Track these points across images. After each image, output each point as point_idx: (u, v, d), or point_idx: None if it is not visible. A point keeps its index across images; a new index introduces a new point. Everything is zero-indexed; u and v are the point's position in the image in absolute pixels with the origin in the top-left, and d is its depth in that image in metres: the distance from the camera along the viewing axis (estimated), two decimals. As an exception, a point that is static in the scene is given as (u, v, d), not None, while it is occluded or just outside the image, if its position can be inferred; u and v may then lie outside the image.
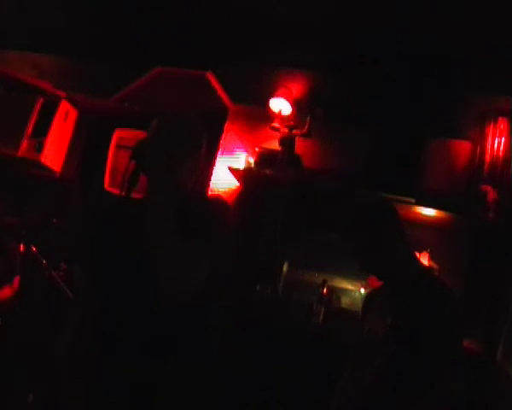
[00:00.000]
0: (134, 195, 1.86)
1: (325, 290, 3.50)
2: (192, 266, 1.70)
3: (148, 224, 1.67)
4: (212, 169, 3.83)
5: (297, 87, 3.79)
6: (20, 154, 4.34)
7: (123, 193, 1.79)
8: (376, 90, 3.52)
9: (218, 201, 2.02)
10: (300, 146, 3.67)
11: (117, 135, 4.20)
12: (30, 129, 4.37)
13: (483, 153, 3.38)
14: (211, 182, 3.81)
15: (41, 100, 4.40)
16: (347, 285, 3.64)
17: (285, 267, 3.73)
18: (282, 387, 3.25)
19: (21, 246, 4.17)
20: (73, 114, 4.54)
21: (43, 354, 3.67)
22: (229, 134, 3.92)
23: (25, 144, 4.36)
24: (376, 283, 2.34)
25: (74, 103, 4.50)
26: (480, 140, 3.41)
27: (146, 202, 1.73)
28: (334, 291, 3.60)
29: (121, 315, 1.81)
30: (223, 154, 3.89)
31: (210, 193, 3.80)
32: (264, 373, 3.30)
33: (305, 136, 3.68)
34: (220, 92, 3.78)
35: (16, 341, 3.79)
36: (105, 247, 1.92)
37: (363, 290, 3.52)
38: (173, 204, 1.70)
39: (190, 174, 1.95)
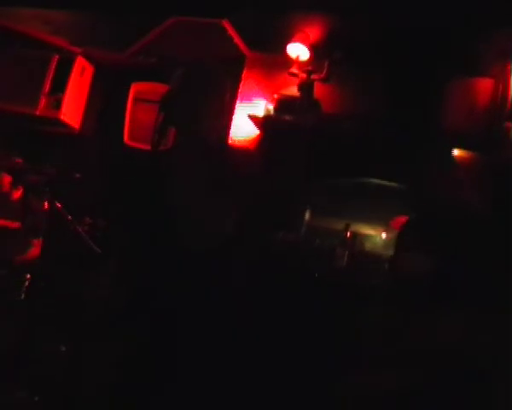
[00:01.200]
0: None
1: (348, 234, 3.75)
2: (217, 216, 1.88)
3: (177, 175, 1.85)
4: (232, 118, 4.06)
5: (314, 31, 3.93)
6: (38, 112, 4.62)
7: (153, 146, 1.99)
8: (394, 30, 3.68)
9: (240, 150, 2.22)
10: (319, 91, 3.86)
11: (134, 88, 4.45)
12: (47, 87, 4.62)
13: (505, 90, 3.54)
14: (231, 130, 4.05)
15: (57, 57, 4.64)
16: (369, 230, 3.87)
17: (307, 214, 3.98)
18: (306, 330, 3.52)
19: (46, 203, 4.49)
20: (90, 69, 4.79)
21: (73, 307, 3.97)
22: (247, 82, 4.12)
23: (43, 102, 4.63)
24: (398, 224, 2.55)
25: (90, 59, 4.74)
26: (502, 77, 3.56)
27: (174, 153, 1.93)
28: (356, 235, 3.84)
29: (152, 267, 1.98)
30: (241, 102, 4.10)
31: (230, 142, 4.05)
32: (290, 318, 3.57)
33: (323, 80, 3.88)
34: (237, 40, 3.98)
35: (46, 295, 4.11)
36: (132, 200, 2.14)
37: (384, 235, 3.76)
38: (201, 154, 1.90)
39: (215, 123, 2.16)
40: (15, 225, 4.34)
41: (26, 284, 3.98)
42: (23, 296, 3.96)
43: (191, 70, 2.11)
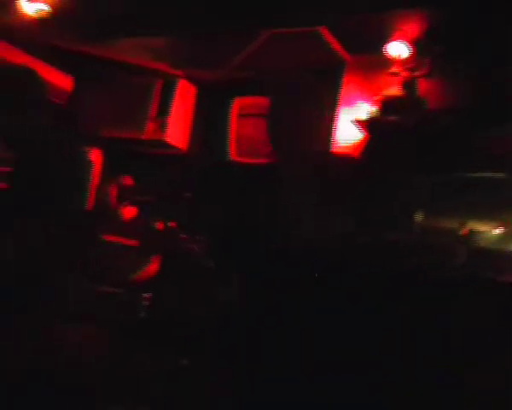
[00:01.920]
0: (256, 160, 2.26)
1: (465, 231, 3.79)
2: (326, 223, 2.05)
3: (285, 186, 2.04)
4: (336, 124, 4.22)
5: (413, 28, 4.01)
6: (146, 136, 4.99)
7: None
8: (496, 21, 3.70)
9: (346, 154, 2.36)
10: (423, 87, 3.95)
11: (237, 104, 4.71)
12: (153, 111, 4.99)
13: None
14: (335, 137, 4.20)
15: (160, 82, 5.00)
16: (482, 226, 3.89)
17: (418, 212, 4.05)
18: (429, 328, 3.59)
19: (160, 223, 4.84)
20: (192, 90, 5.11)
21: (192, 319, 4.22)
22: (348, 86, 4.25)
23: (150, 126, 5.00)
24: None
25: (192, 80, 5.06)
26: None
27: (281, 166, 2.10)
28: (473, 232, 3.87)
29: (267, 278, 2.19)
30: (344, 107, 4.25)
31: (335, 147, 4.21)
32: (408, 314, 3.65)
33: (426, 76, 3.97)
34: (335, 46, 4.14)
35: (166, 309, 4.40)
36: (244, 213, 2.33)
37: (497, 230, 3.76)
38: (305, 166, 2.06)
39: (316, 134, 2.32)
40: (131, 242, 4.68)
41: (146, 302, 4.27)
42: (143, 315, 4.26)
43: (284, 85, 2.24)
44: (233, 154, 4.55)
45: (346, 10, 4.13)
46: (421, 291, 3.64)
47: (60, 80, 5.05)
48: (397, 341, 3.49)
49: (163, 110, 4.91)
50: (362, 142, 4.14)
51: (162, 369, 3.95)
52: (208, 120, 5.04)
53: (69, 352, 2.66)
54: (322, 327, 2.13)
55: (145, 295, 4.08)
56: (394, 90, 3.98)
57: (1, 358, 2.19)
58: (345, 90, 4.23)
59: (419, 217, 4.00)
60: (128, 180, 4.64)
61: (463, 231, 3.71)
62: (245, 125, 4.47)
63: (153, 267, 4.61)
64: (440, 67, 3.88)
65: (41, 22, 4.31)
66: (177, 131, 4.95)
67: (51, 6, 4.37)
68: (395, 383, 3.17)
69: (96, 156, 5.15)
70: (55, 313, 2.54)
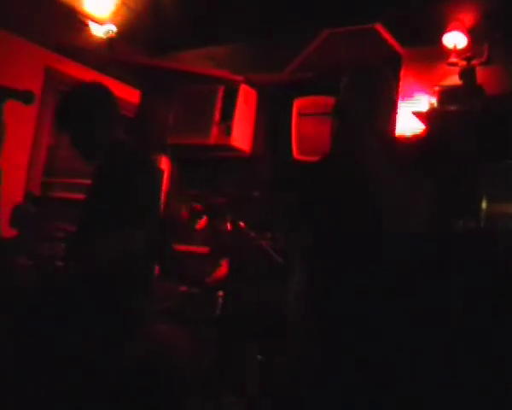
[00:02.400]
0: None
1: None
2: (409, 196, 2.02)
3: (366, 169, 2.00)
4: (396, 117, 4.31)
5: (468, 17, 4.05)
6: (211, 141, 5.19)
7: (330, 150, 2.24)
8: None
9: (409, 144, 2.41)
10: (481, 75, 3.97)
11: (297, 104, 4.84)
12: (217, 116, 5.20)
13: None
14: (396, 130, 4.29)
15: (222, 88, 5.20)
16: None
17: (484, 201, 4.09)
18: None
19: (229, 224, 5.02)
20: (253, 94, 5.29)
21: (268, 317, 4.37)
22: (406, 79, 4.32)
23: (215, 131, 5.20)
24: None
25: (252, 84, 5.25)
26: None
27: (355, 151, 2.17)
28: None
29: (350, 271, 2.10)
30: (403, 100, 4.33)
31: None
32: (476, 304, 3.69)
33: (484, 64, 4.00)
34: (391, 41, 4.22)
35: (241, 308, 4.58)
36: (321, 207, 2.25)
37: None
38: (379, 148, 2.13)
39: (387, 120, 2.33)
40: (205, 250, 4.89)
41: (220, 300, 4.46)
42: (218, 312, 4.45)
43: (355, 74, 2.30)
44: (295, 153, 4.67)
45: (400, 4, 4.20)
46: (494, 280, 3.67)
47: (128, 94, 5.34)
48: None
49: (227, 115, 5.09)
50: (423, 133, 4.19)
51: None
52: (270, 121, 5.19)
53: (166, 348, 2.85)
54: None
55: (219, 293, 4.24)
56: (452, 80, 3.99)
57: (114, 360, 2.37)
58: (403, 84, 4.30)
59: (486, 204, 4.03)
60: (197, 206, 4.84)
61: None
62: (306, 125, 4.59)
63: (225, 267, 4.79)
64: (498, 54, 3.88)
65: (110, 42, 4.56)
66: (240, 134, 5.12)
67: (118, 26, 4.61)
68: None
69: (165, 164, 5.42)
70: (148, 313, 2.72)
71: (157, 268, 4.04)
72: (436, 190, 2.07)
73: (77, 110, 2.65)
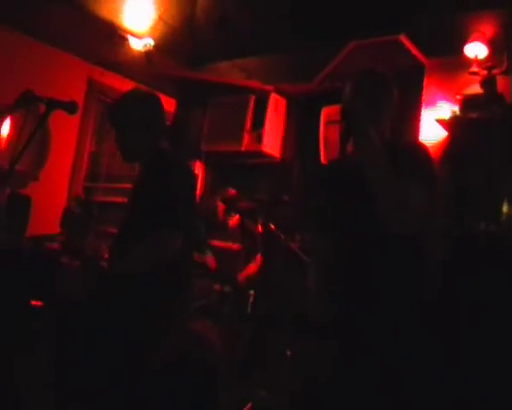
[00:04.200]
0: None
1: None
2: (408, 198, 2.00)
3: (366, 170, 2.03)
4: (419, 124, 4.40)
5: (489, 28, 4.12)
6: (243, 148, 5.34)
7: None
8: None
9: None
10: (502, 84, 4.04)
11: (325, 113, 4.95)
12: (248, 124, 5.36)
13: None
14: (419, 137, 4.39)
15: (253, 98, 5.36)
16: None
17: (505, 205, 4.14)
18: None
19: (259, 226, 5.16)
20: (282, 103, 5.43)
21: (294, 313, 4.47)
22: (429, 88, 4.43)
23: (246, 139, 5.36)
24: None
25: (282, 93, 5.39)
26: None
27: (359, 152, 2.10)
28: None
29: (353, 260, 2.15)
30: (426, 108, 4.43)
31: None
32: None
33: (504, 73, 4.07)
34: (414, 51, 4.33)
35: (268, 305, 4.70)
36: (332, 206, 2.27)
37: None
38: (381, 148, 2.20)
39: (388, 122, 2.28)
40: (236, 247, 5.04)
41: (251, 299, 4.59)
42: (249, 309, 4.58)
43: (359, 78, 2.31)
44: (323, 159, 4.78)
45: (423, 16, 4.29)
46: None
47: (164, 103, 5.51)
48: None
49: (257, 123, 5.25)
50: (446, 139, 4.28)
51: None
52: (299, 129, 5.32)
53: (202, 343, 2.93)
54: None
55: (251, 292, 4.37)
56: (474, 89, 4.07)
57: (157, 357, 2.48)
58: (426, 92, 4.39)
59: (508, 208, 4.09)
60: (231, 191, 5.00)
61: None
62: (333, 132, 4.69)
63: (256, 266, 4.94)
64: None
65: (147, 55, 4.75)
66: (271, 141, 5.27)
67: (156, 40, 4.79)
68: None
69: (199, 169, 5.59)
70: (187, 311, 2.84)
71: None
72: (428, 193, 2.13)
73: (126, 112, 2.71)
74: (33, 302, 3.05)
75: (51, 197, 4.73)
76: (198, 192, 5.70)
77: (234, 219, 5.07)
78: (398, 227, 2.02)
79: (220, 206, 5.02)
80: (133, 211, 2.65)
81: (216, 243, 4.99)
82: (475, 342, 3.57)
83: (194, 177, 3.22)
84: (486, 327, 3.61)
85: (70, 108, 2.44)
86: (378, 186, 2.01)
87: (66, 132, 4.86)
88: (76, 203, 2.84)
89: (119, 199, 5.16)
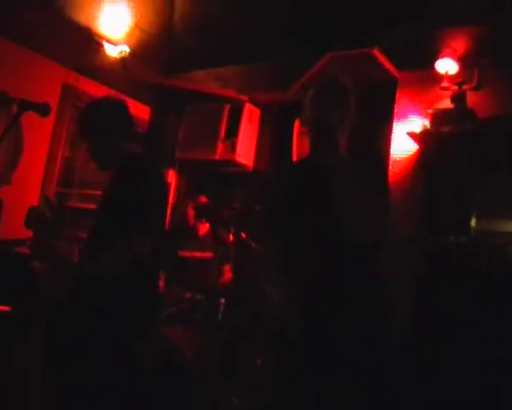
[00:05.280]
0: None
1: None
2: (369, 210, 2.08)
3: (336, 178, 2.11)
4: (391, 137, 4.43)
5: (460, 44, 4.16)
6: (217, 157, 5.33)
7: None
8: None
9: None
10: (472, 99, 4.11)
11: (298, 124, 4.98)
12: (223, 133, 5.34)
13: None
14: (391, 149, 4.41)
15: (228, 107, 5.36)
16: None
17: (476, 216, 4.18)
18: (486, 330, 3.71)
19: (232, 235, 5.13)
20: (257, 112, 5.43)
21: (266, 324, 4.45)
22: (401, 101, 4.47)
23: (220, 147, 5.34)
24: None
25: (256, 103, 5.39)
26: None
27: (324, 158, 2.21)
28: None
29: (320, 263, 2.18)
30: (398, 121, 4.46)
31: (390, 159, 4.42)
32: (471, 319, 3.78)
33: (475, 89, 4.13)
34: (387, 65, 4.36)
35: (239, 314, 4.66)
36: (296, 208, 2.29)
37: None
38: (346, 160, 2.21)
39: (346, 133, 2.32)
40: (207, 255, 5.00)
41: (222, 307, 4.55)
42: (220, 317, 4.54)
43: (316, 87, 2.37)
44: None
45: (396, 31, 4.33)
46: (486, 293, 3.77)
47: (139, 111, 5.48)
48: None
49: (232, 132, 5.23)
50: (417, 152, 4.31)
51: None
52: (273, 139, 5.32)
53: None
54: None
55: (222, 300, 4.34)
56: (445, 104, 4.12)
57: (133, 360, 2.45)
58: (398, 106, 4.42)
59: (477, 220, 4.13)
60: (203, 198, 4.96)
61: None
62: (306, 143, 4.68)
63: (227, 275, 4.89)
64: (487, 80, 4.00)
65: (123, 61, 4.70)
66: (244, 150, 5.25)
67: (131, 47, 4.75)
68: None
69: (172, 177, 5.55)
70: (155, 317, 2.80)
71: (163, 274, 4.16)
72: (383, 203, 2.15)
73: (94, 121, 2.70)
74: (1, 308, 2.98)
75: (23, 201, 4.63)
76: (171, 200, 5.65)
77: (205, 228, 5.03)
78: (361, 236, 2.06)
79: (191, 212, 4.98)
80: (104, 215, 2.62)
81: (188, 252, 4.95)
82: (448, 354, 3.59)
83: (166, 182, 3.20)
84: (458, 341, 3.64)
85: (42, 110, 2.40)
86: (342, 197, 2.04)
87: (39, 137, 4.79)
88: (44, 203, 2.76)
89: (93, 206, 5.08)
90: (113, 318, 2.44)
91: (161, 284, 3.27)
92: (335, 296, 2.12)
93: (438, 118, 4.14)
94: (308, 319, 2.13)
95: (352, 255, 2.13)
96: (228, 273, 4.90)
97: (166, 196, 2.97)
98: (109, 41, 4.68)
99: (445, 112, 4.10)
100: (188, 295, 4.36)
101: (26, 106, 2.36)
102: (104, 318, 2.43)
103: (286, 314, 2.20)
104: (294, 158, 4.87)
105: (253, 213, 4.94)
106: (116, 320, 2.44)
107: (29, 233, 2.67)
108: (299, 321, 2.14)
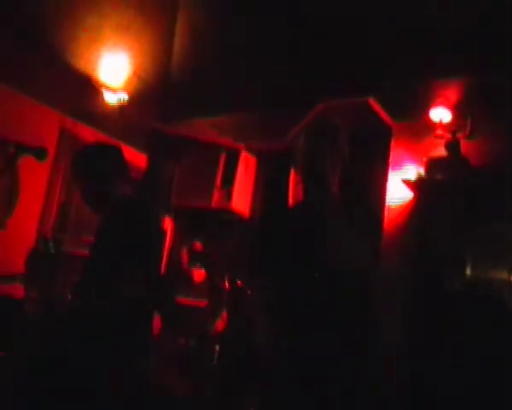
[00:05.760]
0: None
1: (512, 278, 3.88)
2: (355, 246, 2.09)
3: (319, 215, 2.12)
4: (386, 185, 4.44)
5: (453, 94, 4.21)
6: (213, 204, 5.33)
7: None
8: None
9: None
10: (465, 148, 4.14)
11: (294, 172, 4.99)
12: (219, 181, 5.35)
13: None
14: (386, 196, 4.42)
15: (224, 155, 5.39)
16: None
17: (470, 262, 4.17)
18: (480, 372, 3.67)
19: (226, 282, 5.09)
20: (253, 161, 5.46)
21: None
22: (396, 150, 4.51)
23: (216, 195, 5.34)
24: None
25: (252, 152, 5.43)
26: None
27: (307, 203, 2.22)
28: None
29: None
30: (393, 169, 4.48)
31: (386, 207, 4.42)
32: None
33: (468, 138, 4.17)
34: (382, 114, 4.42)
35: (232, 361, 4.59)
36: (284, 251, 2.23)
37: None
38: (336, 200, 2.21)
39: (337, 175, 2.31)
40: (202, 303, 4.94)
41: (216, 354, 4.47)
42: (215, 363, 4.46)
43: (308, 128, 2.40)
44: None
45: (391, 81, 4.38)
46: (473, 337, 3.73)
47: (136, 158, 5.50)
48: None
49: (227, 180, 5.24)
50: (412, 200, 4.32)
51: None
52: (268, 187, 5.32)
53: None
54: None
55: (216, 346, 4.27)
56: (439, 152, 4.14)
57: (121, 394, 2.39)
58: (393, 154, 4.45)
59: (470, 266, 4.11)
60: (197, 245, 4.94)
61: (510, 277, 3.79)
62: (301, 191, 4.67)
63: (222, 322, 4.83)
64: (480, 129, 4.04)
65: (121, 108, 4.74)
66: (240, 198, 5.25)
67: (130, 94, 4.80)
68: None
69: (168, 224, 5.52)
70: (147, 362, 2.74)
71: (158, 319, 4.09)
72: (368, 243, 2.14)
73: (88, 165, 2.71)
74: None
75: (17, 246, 4.60)
76: (167, 246, 5.62)
77: (200, 274, 4.99)
78: (348, 277, 2.06)
79: (185, 256, 4.94)
80: (98, 256, 2.57)
81: (182, 299, 4.90)
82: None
83: (162, 225, 3.18)
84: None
85: (39, 153, 2.40)
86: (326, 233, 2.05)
87: (35, 181, 4.77)
88: (44, 246, 2.75)
89: (86, 252, 5.03)
90: (101, 356, 2.38)
91: (157, 327, 3.20)
92: (325, 335, 2.09)
93: (432, 166, 4.16)
94: (295, 353, 2.09)
95: (340, 295, 2.10)
96: (223, 320, 4.83)
97: (162, 238, 2.94)
98: (108, 88, 4.72)
99: (440, 160, 4.13)
100: (182, 340, 4.27)
101: (22, 149, 2.36)
102: (92, 356, 2.37)
103: (273, 349, 2.16)
104: (290, 204, 4.84)
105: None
106: (103, 359, 2.39)
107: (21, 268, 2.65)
108: (285, 355, 2.11)
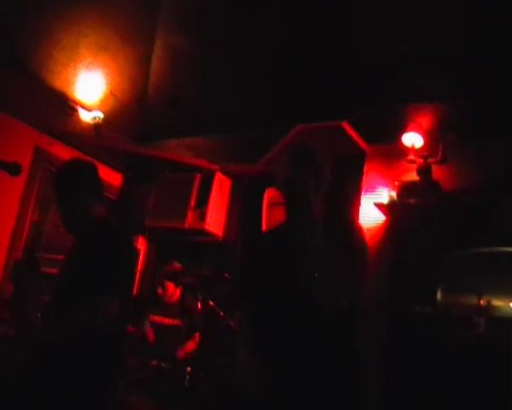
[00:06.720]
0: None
1: (482, 302, 3.89)
2: (342, 277, 2.04)
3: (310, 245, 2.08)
4: (359, 208, 4.44)
5: (425, 119, 4.27)
6: (187, 225, 5.27)
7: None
8: (506, 102, 3.84)
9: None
10: (437, 173, 4.17)
11: (268, 194, 4.98)
12: (193, 202, 5.30)
13: None
14: (359, 219, 4.42)
15: (199, 176, 5.35)
16: (499, 299, 3.97)
17: (441, 287, 4.18)
18: (451, 398, 3.66)
19: (199, 303, 5.03)
20: (227, 182, 5.43)
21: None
22: (369, 174, 4.52)
23: (190, 216, 5.29)
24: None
25: (227, 173, 5.40)
26: None
27: (291, 227, 2.16)
28: (490, 303, 3.97)
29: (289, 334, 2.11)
30: (366, 192, 4.49)
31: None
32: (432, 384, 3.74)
33: (439, 162, 4.20)
34: (356, 138, 4.44)
35: (206, 382, 4.51)
36: (262, 280, 2.21)
37: (512, 305, 3.86)
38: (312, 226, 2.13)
39: (315, 197, 2.25)
40: (175, 322, 4.87)
41: (188, 376, 4.39)
42: (186, 385, 4.37)
43: (286, 154, 2.33)
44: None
45: (365, 106, 4.41)
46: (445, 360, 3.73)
47: (111, 177, 5.43)
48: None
49: (202, 201, 5.20)
50: (384, 223, 4.32)
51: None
52: (242, 209, 5.29)
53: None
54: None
55: (188, 368, 4.20)
56: (411, 176, 4.16)
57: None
58: (366, 178, 4.46)
59: (442, 291, 4.12)
60: (175, 265, 4.88)
61: (480, 302, 3.80)
62: (275, 213, 4.68)
63: (194, 344, 4.76)
64: (451, 154, 4.08)
65: (96, 127, 4.68)
66: (214, 219, 5.21)
67: (105, 113, 4.75)
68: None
69: (141, 244, 5.45)
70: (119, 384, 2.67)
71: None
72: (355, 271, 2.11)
73: (61, 183, 2.68)
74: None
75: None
76: (140, 266, 5.54)
77: (175, 294, 4.93)
78: (333, 304, 2.03)
79: (170, 285, 4.87)
80: (69, 278, 2.51)
81: (156, 318, 4.83)
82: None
83: (135, 247, 3.12)
84: None
85: (12, 169, 2.33)
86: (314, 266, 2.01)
87: (8, 199, 4.67)
88: (26, 262, 2.67)
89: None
90: (76, 381, 2.32)
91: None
92: (307, 365, 2.06)
93: (404, 190, 4.18)
94: (278, 386, 2.06)
95: (324, 323, 2.08)
96: (195, 341, 4.78)
97: (135, 260, 2.89)
98: (83, 107, 4.67)
99: (412, 184, 4.15)
100: (154, 362, 4.19)
101: (-6, 163, 2.29)
102: (66, 381, 2.32)
103: (255, 382, 2.14)
104: (263, 228, 4.84)
105: (221, 282, 4.87)
106: (77, 384, 2.33)
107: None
108: (267, 388, 2.08)
